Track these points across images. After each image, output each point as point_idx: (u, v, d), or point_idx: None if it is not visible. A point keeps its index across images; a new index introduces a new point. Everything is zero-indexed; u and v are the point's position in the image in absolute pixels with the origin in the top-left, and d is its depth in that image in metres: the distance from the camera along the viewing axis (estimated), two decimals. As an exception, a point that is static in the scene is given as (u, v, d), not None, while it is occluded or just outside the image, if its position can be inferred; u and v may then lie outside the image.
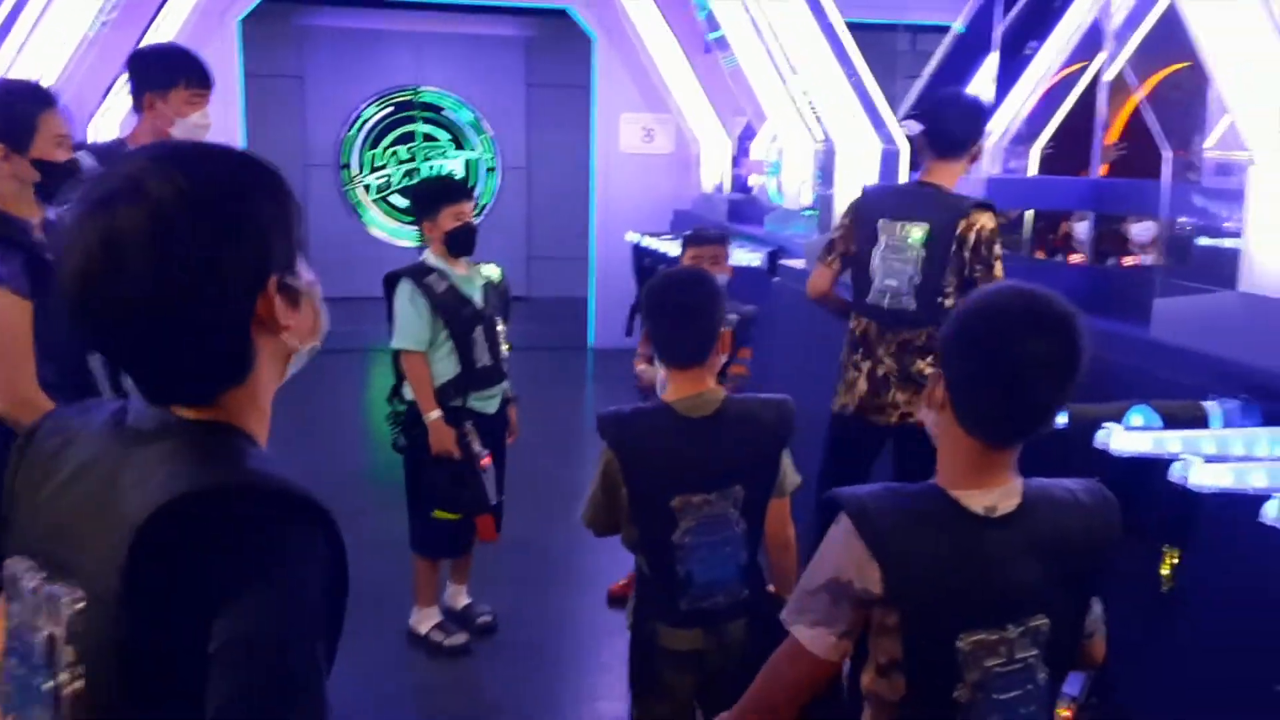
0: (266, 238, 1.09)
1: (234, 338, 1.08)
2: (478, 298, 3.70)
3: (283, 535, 1.03)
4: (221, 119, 8.29)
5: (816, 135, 6.48)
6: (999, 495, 1.51)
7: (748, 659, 2.27)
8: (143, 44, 6.41)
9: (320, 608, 1.05)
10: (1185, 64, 3.99)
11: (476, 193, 11.11)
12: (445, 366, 3.63)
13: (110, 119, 7.50)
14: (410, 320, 3.59)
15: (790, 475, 2.44)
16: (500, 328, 3.75)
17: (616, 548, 4.32)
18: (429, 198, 3.76)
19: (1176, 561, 2.98)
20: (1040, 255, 4.94)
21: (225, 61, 8.31)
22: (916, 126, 3.56)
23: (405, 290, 3.61)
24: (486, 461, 3.63)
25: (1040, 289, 1.53)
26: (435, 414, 3.58)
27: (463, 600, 4.01)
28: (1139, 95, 3.88)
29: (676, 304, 2.33)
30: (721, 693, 2.33)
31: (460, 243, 3.67)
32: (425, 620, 3.84)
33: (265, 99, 10.19)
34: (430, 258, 3.69)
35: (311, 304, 1.15)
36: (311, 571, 1.04)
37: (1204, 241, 3.66)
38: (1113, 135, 4.85)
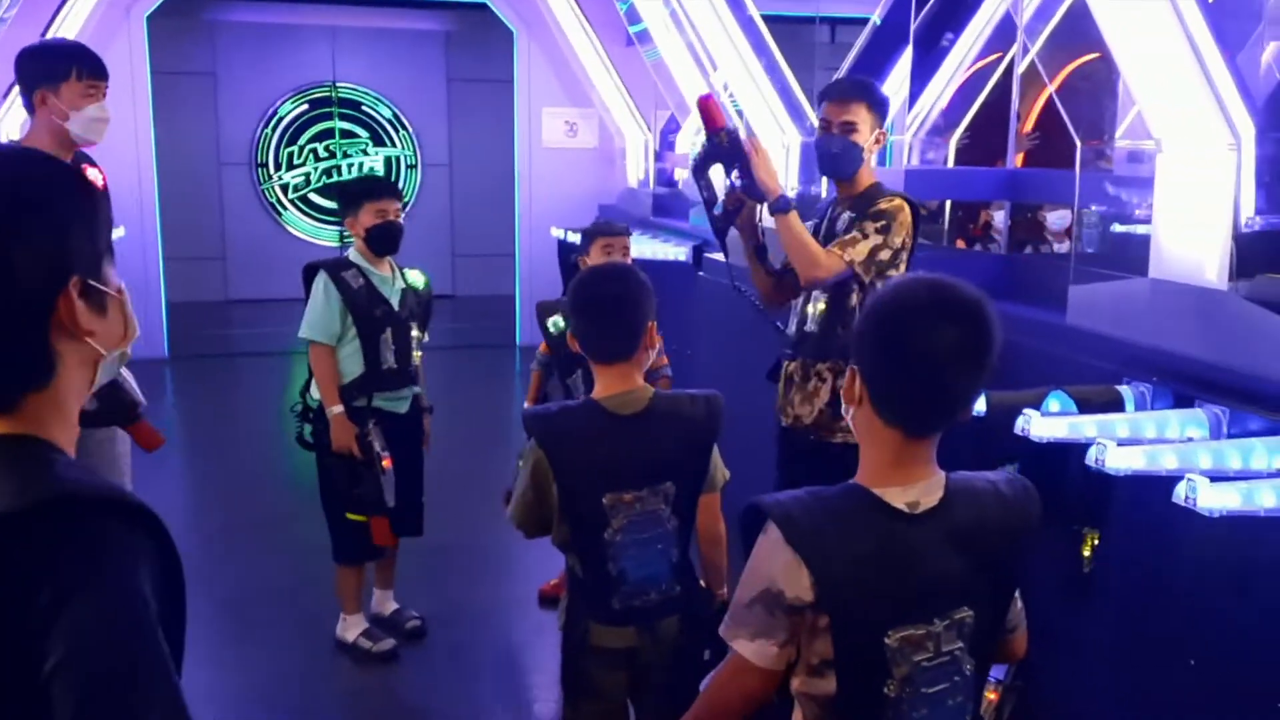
0: (65, 240, 1.07)
1: (31, 340, 1.07)
2: (394, 300, 3.65)
3: (99, 539, 1.00)
4: (130, 118, 8.11)
5: (739, 129, 6.50)
6: (920, 490, 1.51)
7: (681, 655, 2.27)
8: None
9: (152, 604, 1.02)
10: (1095, 55, 4.07)
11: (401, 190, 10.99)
12: (351, 365, 3.59)
13: (13, 119, 7.25)
14: (320, 312, 3.55)
15: (720, 470, 2.43)
16: (415, 334, 3.70)
17: (546, 547, 4.30)
18: (352, 194, 3.72)
19: (1096, 542, 3.05)
20: (960, 245, 5.01)
21: (132, 59, 8.10)
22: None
23: (320, 282, 3.59)
24: (387, 463, 3.57)
25: (947, 278, 1.53)
26: (337, 409, 3.53)
27: (390, 605, 3.95)
28: (1051, 87, 3.95)
29: (603, 299, 2.30)
30: (654, 690, 2.32)
31: (382, 240, 3.62)
32: (352, 628, 3.77)
33: (176, 97, 9.95)
34: (353, 254, 3.66)
35: (120, 309, 1.14)
36: (138, 570, 1.01)
37: (1117, 228, 3.75)
38: (1026, 125, 4.93)
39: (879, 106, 3.17)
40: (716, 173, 3.22)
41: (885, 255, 3.04)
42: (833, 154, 3.16)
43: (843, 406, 1.58)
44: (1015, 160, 4.66)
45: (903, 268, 3.09)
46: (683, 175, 8.16)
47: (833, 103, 3.16)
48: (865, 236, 3.03)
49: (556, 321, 3.94)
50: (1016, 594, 1.63)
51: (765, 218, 3.19)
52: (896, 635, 1.48)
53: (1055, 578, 3.07)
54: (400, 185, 11.37)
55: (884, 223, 3.04)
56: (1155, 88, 3.00)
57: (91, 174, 3.37)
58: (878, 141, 3.16)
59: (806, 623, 1.49)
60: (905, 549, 1.49)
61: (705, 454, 2.35)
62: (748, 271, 3.35)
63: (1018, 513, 1.57)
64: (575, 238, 7.67)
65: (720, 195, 3.21)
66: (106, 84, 3.34)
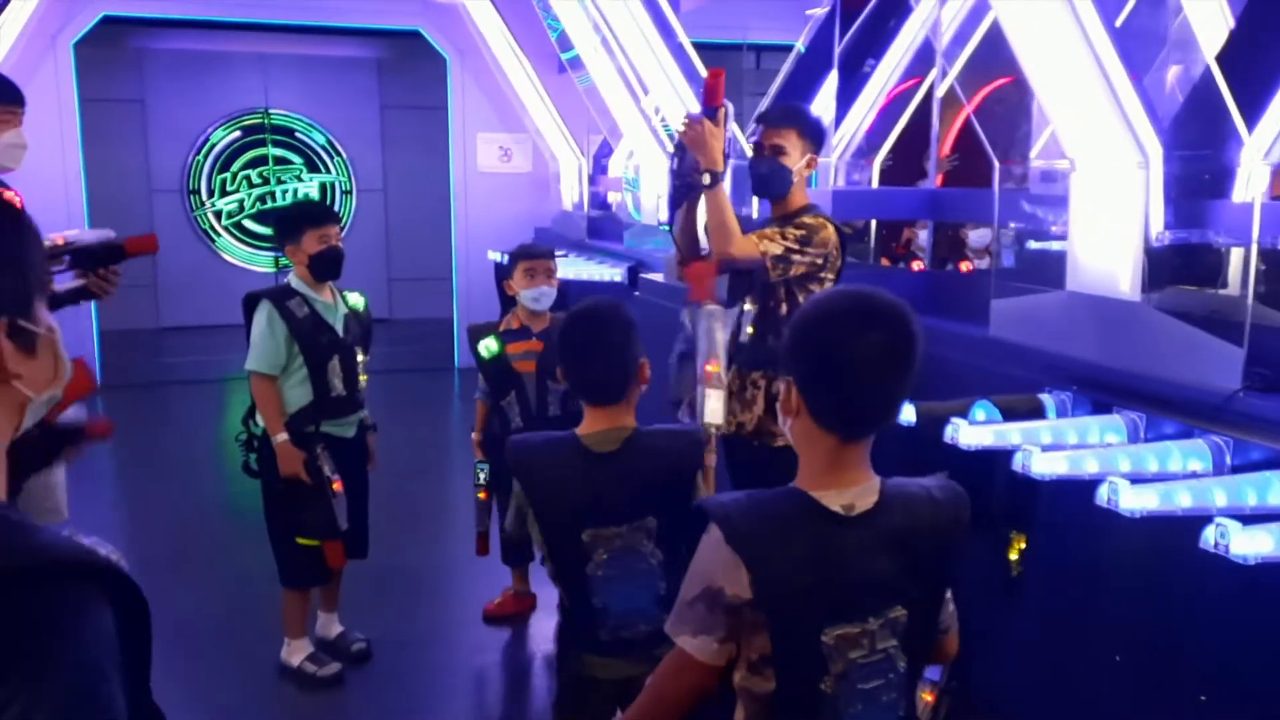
0: None
1: None
2: (339, 325, 3.66)
3: (49, 608, 0.92)
4: (59, 146, 8.01)
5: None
6: (856, 494, 1.58)
7: None
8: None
9: (109, 663, 0.95)
10: (1008, 79, 4.24)
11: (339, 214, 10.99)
12: (299, 394, 3.57)
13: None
14: (265, 343, 3.53)
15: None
16: (360, 358, 3.70)
17: (489, 567, 4.32)
18: (293, 220, 3.68)
19: (1023, 546, 3.16)
20: (885, 263, 5.14)
21: (60, 87, 8.01)
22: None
23: (264, 312, 3.55)
24: (338, 486, 3.57)
25: (867, 287, 1.61)
26: (282, 436, 3.52)
27: (335, 629, 3.94)
28: (969, 108, 4.10)
29: (594, 341, 2.27)
30: None
31: (326, 267, 3.61)
32: (297, 652, 3.75)
33: (105, 124, 9.83)
34: (294, 281, 3.64)
35: (51, 350, 1.09)
36: (90, 634, 0.94)
37: (1034, 245, 3.89)
38: (944, 149, 5.09)
39: (811, 132, 3.27)
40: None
41: (799, 265, 3.13)
42: (761, 174, 3.28)
43: (779, 418, 1.65)
44: (935, 181, 4.81)
45: (827, 285, 3.19)
46: (616, 198, 8.26)
47: (767, 127, 3.28)
48: (783, 239, 3.13)
49: (489, 345, 3.94)
50: (948, 596, 1.69)
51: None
52: (833, 633, 1.53)
53: (985, 580, 3.17)
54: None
55: (803, 233, 3.14)
56: (1068, 110, 3.15)
57: (8, 197, 3.35)
58: (809, 166, 3.26)
59: (745, 620, 1.54)
60: (840, 550, 1.55)
61: (688, 487, 2.31)
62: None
63: (949, 515, 1.63)
64: (512, 261, 7.74)
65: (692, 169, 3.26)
66: (23, 110, 3.31)
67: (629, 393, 2.27)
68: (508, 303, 8.29)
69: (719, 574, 1.54)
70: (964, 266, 5.44)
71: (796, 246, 3.13)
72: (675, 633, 1.59)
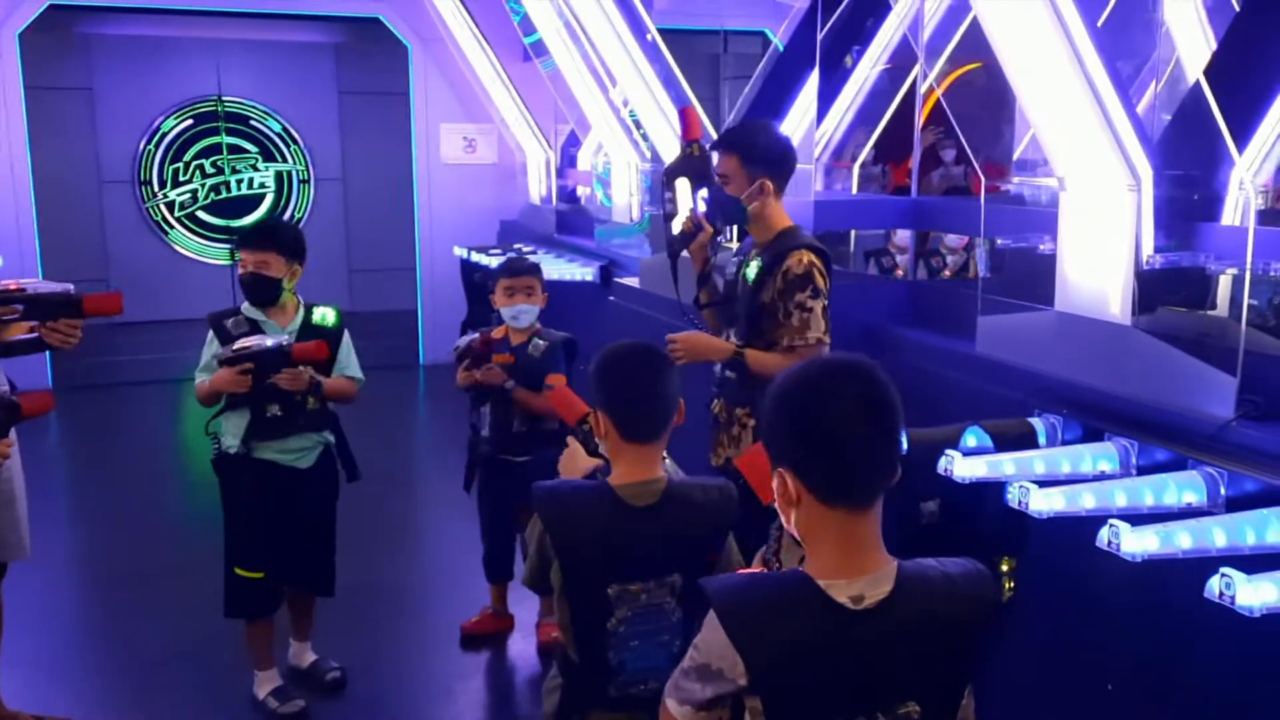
0: None
1: None
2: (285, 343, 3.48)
3: None
4: (4, 136, 7.74)
5: (645, 153, 6.49)
6: (866, 584, 1.49)
7: None
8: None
9: None
10: (978, 64, 4.17)
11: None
12: (240, 416, 3.47)
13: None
14: (204, 359, 3.51)
15: (734, 557, 2.31)
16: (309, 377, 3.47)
17: (466, 583, 4.22)
18: (235, 242, 3.68)
19: (1013, 569, 3.13)
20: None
21: (4, 76, 7.76)
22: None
23: (209, 332, 3.55)
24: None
25: (829, 356, 1.54)
26: (214, 375, 3.41)
27: (308, 658, 3.83)
28: (939, 91, 4.03)
29: (635, 379, 2.24)
30: None
31: (248, 291, 3.55)
32: (263, 684, 3.63)
33: (51, 113, 9.52)
34: (245, 304, 3.59)
35: None
36: None
37: (1020, 260, 3.84)
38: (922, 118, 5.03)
39: (752, 156, 3.11)
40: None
41: (824, 307, 3.08)
42: (709, 204, 3.20)
43: (780, 515, 1.58)
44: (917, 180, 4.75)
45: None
46: (585, 191, 8.14)
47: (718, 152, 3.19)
48: (810, 311, 3.04)
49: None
50: (969, 691, 1.59)
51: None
52: None
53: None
54: (292, 202, 11.09)
55: (811, 287, 3.04)
56: (1058, 131, 3.08)
57: None
58: (763, 190, 3.10)
59: (746, 705, 1.48)
60: (844, 644, 1.47)
61: (719, 544, 2.26)
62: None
63: (971, 603, 1.55)
64: (479, 257, 7.62)
65: (682, 212, 3.19)
66: None
67: (667, 431, 2.24)
68: (474, 298, 8.16)
69: (716, 655, 1.49)
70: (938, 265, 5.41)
71: (823, 302, 3.06)
72: (667, 693, 1.56)
